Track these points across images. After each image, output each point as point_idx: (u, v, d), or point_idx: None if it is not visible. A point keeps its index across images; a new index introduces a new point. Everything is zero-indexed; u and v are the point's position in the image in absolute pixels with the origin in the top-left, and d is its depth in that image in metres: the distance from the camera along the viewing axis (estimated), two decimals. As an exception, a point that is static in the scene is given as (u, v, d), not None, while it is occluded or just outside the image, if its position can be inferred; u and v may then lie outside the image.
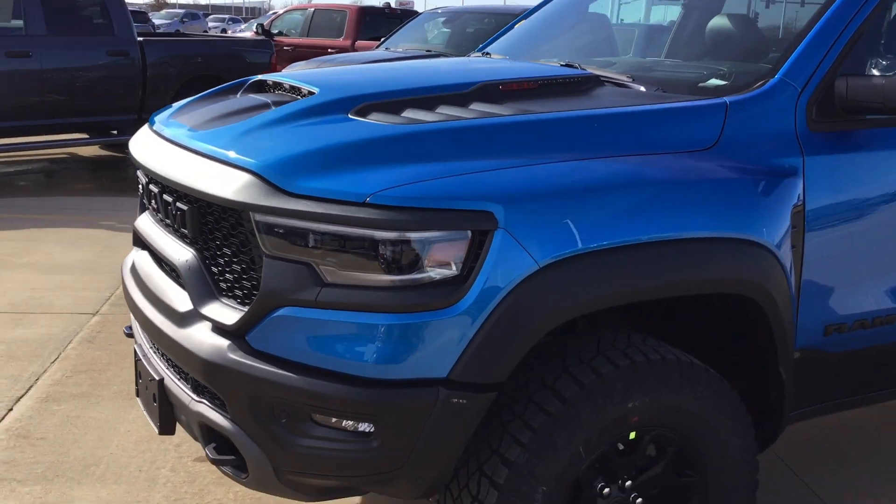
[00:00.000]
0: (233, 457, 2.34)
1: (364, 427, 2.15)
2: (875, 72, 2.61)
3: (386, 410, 2.12)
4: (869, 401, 3.03)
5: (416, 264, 2.07)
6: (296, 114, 2.48)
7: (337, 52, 13.44)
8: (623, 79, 2.87)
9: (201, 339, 2.32)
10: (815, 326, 2.65)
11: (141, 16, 33.44)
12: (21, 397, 3.95)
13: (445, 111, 2.49)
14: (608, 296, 2.22)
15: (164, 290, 2.57)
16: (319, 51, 13.86)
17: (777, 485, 3.47)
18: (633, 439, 2.39)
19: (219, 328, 2.30)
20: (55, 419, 3.75)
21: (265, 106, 2.64)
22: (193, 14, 41.17)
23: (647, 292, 2.28)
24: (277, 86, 2.86)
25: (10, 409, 3.84)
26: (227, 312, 2.29)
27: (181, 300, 2.46)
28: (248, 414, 2.23)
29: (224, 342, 2.26)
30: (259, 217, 2.17)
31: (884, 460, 3.73)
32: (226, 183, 2.25)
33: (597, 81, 2.85)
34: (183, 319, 2.41)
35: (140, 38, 9.93)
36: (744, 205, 2.40)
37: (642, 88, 2.79)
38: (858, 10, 2.65)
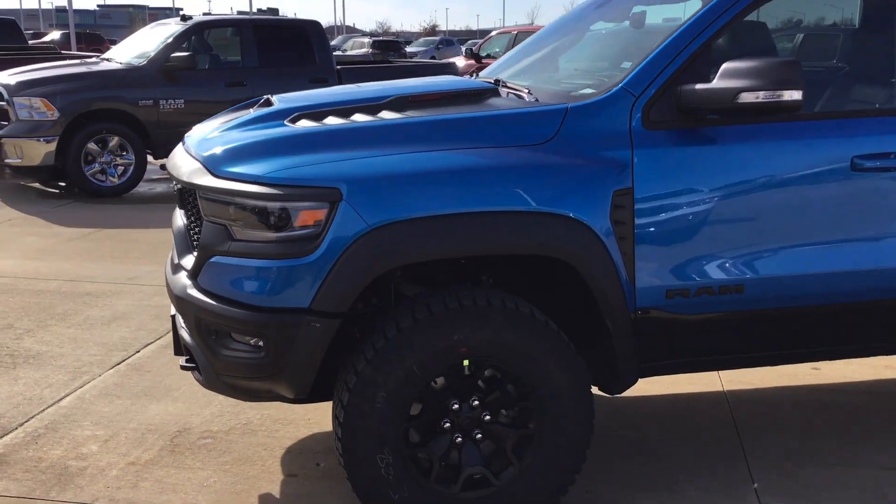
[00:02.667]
0: (193, 365, 3.32)
1: (258, 342, 3.05)
2: (704, 83, 3.14)
3: (270, 330, 3.00)
4: (725, 364, 3.50)
5: (289, 225, 2.95)
6: (250, 121, 3.45)
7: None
8: (521, 90, 3.58)
9: (179, 280, 3.32)
10: (655, 290, 3.21)
11: (395, 45, 36.16)
12: (149, 344, 5.19)
13: (356, 117, 3.35)
14: (424, 252, 2.97)
15: (173, 251, 3.62)
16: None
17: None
18: (476, 368, 3.11)
19: (186, 272, 3.29)
20: (164, 358, 4.92)
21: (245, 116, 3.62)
22: (448, 41, 43.68)
23: (465, 250, 3.01)
24: (268, 102, 3.83)
25: (139, 351, 5.07)
26: (190, 261, 3.28)
27: (177, 256, 3.49)
28: (196, 332, 3.20)
29: (188, 282, 3.25)
30: (200, 193, 3.15)
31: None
32: (189, 170, 3.25)
33: (494, 92, 3.58)
34: (175, 269, 3.44)
35: (339, 67, 11.35)
36: (563, 187, 3.04)
37: (525, 97, 3.48)
38: (693, 38, 3.21)
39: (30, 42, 26.85)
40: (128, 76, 10.11)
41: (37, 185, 10.88)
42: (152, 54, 10.32)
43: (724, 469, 3.78)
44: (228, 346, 3.12)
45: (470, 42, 20.51)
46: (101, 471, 3.70)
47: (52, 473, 3.67)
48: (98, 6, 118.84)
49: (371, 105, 3.45)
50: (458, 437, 3.13)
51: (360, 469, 3.05)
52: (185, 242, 3.45)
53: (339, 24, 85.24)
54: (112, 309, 5.87)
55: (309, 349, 2.98)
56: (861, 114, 3.50)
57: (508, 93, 3.64)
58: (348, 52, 34.25)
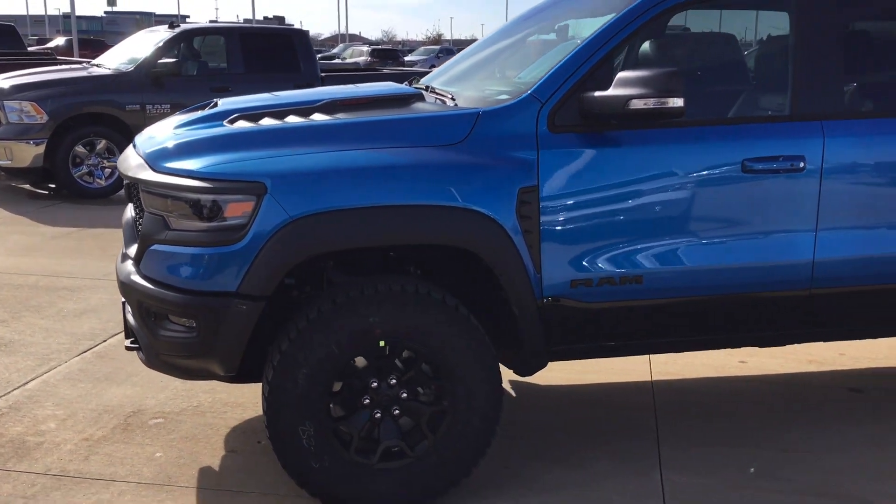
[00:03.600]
0: (137, 345, 3.62)
1: (191, 323, 3.34)
2: (603, 91, 3.42)
3: (201, 312, 3.29)
4: (629, 349, 3.79)
5: (219, 215, 3.25)
6: (193, 122, 3.74)
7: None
8: (446, 96, 3.87)
9: (125, 268, 3.61)
10: (561, 280, 3.49)
11: (393, 53, 36.54)
12: (117, 334, 5.48)
13: (289, 118, 3.64)
14: (340, 241, 3.26)
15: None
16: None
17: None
18: (393, 349, 3.39)
19: (131, 260, 3.59)
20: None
21: (193, 118, 3.92)
22: (448, 50, 44.02)
23: (379, 240, 3.31)
24: (215, 105, 4.12)
25: (105, 340, 5.37)
26: (134, 249, 3.57)
27: (125, 246, 3.79)
28: (138, 315, 3.50)
29: (132, 269, 3.54)
30: (142, 186, 3.45)
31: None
32: (134, 166, 3.55)
33: (419, 97, 3.88)
34: (122, 258, 3.73)
35: (323, 74, 11.66)
36: (472, 184, 3.33)
37: (447, 102, 3.77)
38: (595, 52, 3.50)
39: (34, 48, 27.30)
40: (116, 81, 10.44)
41: (27, 186, 11.19)
42: (140, 60, 10.64)
43: (635, 447, 4.06)
44: (166, 328, 3.41)
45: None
46: (56, 445, 3.99)
47: (10, 447, 3.96)
48: (105, 13, 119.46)
49: (305, 108, 3.75)
50: (378, 412, 3.41)
51: (284, 440, 3.34)
52: (132, 233, 3.75)
53: (342, 32, 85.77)
54: (85, 302, 6.16)
55: (236, 330, 3.27)
56: (752, 120, 3.80)
57: (436, 98, 3.93)
58: (347, 60, 34.63)
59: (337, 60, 35.18)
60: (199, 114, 3.88)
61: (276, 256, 3.21)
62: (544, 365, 3.69)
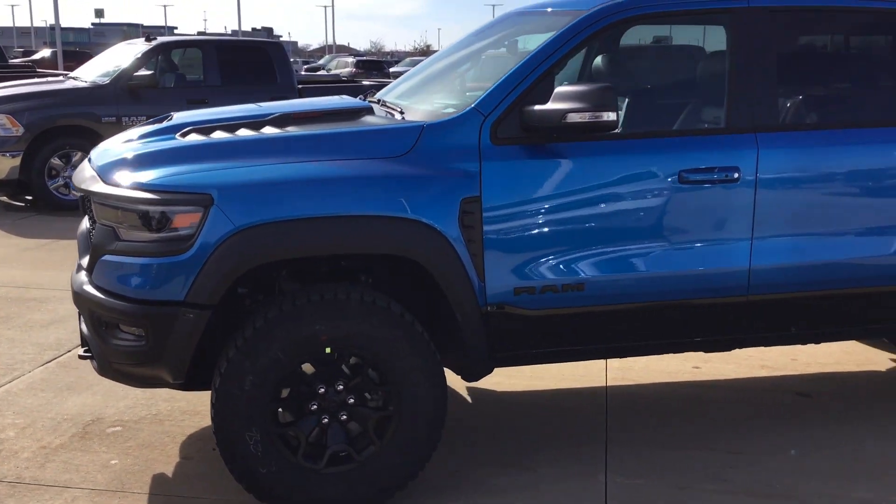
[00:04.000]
0: (90, 355, 3.70)
1: (141, 332, 3.43)
2: (542, 105, 3.52)
3: (150, 321, 3.38)
4: (573, 355, 3.89)
5: (167, 226, 3.33)
6: (146, 135, 3.84)
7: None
8: (395, 109, 3.97)
9: (78, 278, 3.70)
10: (504, 287, 3.59)
11: (377, 65, 36.63)
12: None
13: (240, 132, 3.73)
14: (286, 250, 3.36)
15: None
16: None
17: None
18: (339, 355, 3.47)
19: (84, 270, 3.67)
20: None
21: (148, 131, 4.01)
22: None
23: (323, 249, 3.40)
24: (171, 118, 4.21)
25: (70, 350, 5.43)
26: (86, 260, 3.66)
27: (79, 256, 3.87)
28: (90, 324, 3.58)
29: (85, 279, 3.63)
30: (94, 198, 3.53)
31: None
32: (87, 179, 3.64)
33: (369, 111, 3.98)
34: (77, 268, 3.81)
35: (300, 85, 11.76)
36: (415, 195, 3.43)
37: (396, 115, 3.88)
38: (536, 67, 3.62)
39: (18, 60, 27.31)
40: (92, 94, 10.52)
41: (3, 198, 11.24)
42: (116, 73, 10.72)
43: (584, 451, 4.15)
44: (117, 336, 3.49)
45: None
46: (13, 453, 4.06)
47: (-32, 455, 4.03)
48: (92, 24, 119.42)
49: (257, 121, 3.84)
50: (325, 418, 3.50)
51: (231, 446, 3.42)
52: (86, 244, 3.83)
53: (329, 43, 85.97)
54: (53, 313, 6.23)
55: (184, 338, 3.35)
56: (689, 132, 3.92)
57: (386, 112, 4.02)
58: (332, 71, 34.70)
59: (322, 72, 35.27)
60: (153, 127, 3.97)
61: (222, 266, 3.30)
62: (490, 370, 3.79)
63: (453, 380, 4.78)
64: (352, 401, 3.51)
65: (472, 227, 3.50)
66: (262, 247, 3.32)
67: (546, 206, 3.59)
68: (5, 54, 20.26)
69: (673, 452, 4.16)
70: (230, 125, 3.82)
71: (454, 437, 4.30)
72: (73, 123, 10.28)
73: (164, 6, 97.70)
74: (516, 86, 3.61)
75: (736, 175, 3.71)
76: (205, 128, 3.81)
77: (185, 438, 4.25)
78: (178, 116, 4.14)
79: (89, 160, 3.86)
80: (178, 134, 3.77)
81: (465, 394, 4.86)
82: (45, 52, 37.44)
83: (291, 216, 3.32)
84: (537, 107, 3.51)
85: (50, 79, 12.00)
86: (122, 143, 3.81)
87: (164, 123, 3.99)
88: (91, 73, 11.22)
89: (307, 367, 3.50)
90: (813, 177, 3.83)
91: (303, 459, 3.50)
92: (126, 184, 3.43)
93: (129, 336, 3.46)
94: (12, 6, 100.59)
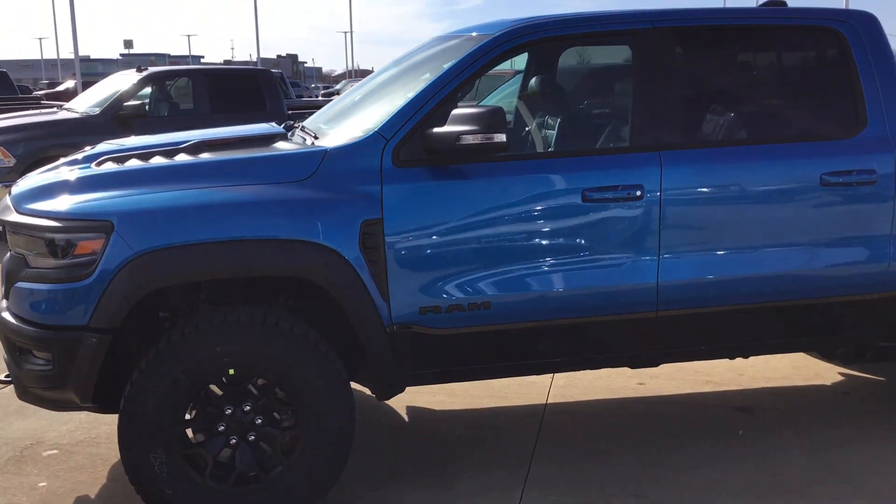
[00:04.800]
0: (9, 379, 3.80)
1: (49, 356, 3.52)
2: (440, 127, 3.59)
3: (56, 345, 3.47)
4: (483, 373, 3.93)
5: (71, 253, 3.43)
6: (63, 164, 3.95)
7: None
8: (310, 135, 4.05)
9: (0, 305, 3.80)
10: (410, 307, 3.64)
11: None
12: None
13: (154, 160, 3.83)
14: (185, 274, 3.44)
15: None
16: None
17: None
18: (245, 376, 3.54)
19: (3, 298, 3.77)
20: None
21: (71, 161, 4.12)
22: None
23: (223, 272, 3.47)
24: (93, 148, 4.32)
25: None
26: (3, 289, 3.76)
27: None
28: (7, 349, 3.68)
29: (3, 306, 3.73)
30: (7, 227, 3.64)
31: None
32: (2, 209, 3.75)
33: (283, 137, 4.07)
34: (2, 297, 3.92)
35: (290, 111, 11.91)
36: (316, 218, 3.50)
37: (308, 140, 3.95)
38: (438, 91, 3.71)
39: (41, 91, 27.82)
40: (83, 124, 10.71)
41: None
42: (107, 103, 10.92)
43: (508, 467, 4.19)
44: (30, 361, 3.59)
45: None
46: (-53, 477, 4.16)
47: None
48: (121, 55, 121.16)
49: (173, 149, 3.94)
50: (233, 438, 3.56)
51: (137, 467, 3.49)
52: (2, 271, 3.93)
53: (350, 68, 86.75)
54: (20, 340, 6.35)
55: (88, 361, 3.44)
56: (593, 151, 3.97)
57: (303, 138, 4.10)
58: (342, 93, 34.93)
59: (336, 97, 35.55)
60: (71, 157, 4.09)
61: (122, 290, 3.38)
62: (402, 389, 3.84)
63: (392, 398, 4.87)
64: (259, 421, 3.57)
65: (374, 249, 3.56)
66: (160, 271, 3.41)
67: (449, 227, 3.65)
68: (15, 87, 20.64)
69: (598, 468, 4.18)
70: (145, 153, 3.91)
71: (383, 454, 4.37)
72: (63, 154, 10.42)
73: (188, 36, 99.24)
74: (418, 109, 3.69)
75: (639, 193, 3.75)
76: (120, 157, 3.91)
77: (117, 461, 4.32)
78: (100, 146, 4.26)
79: (10, 192, 3.97)
80: (94, 163, 3.87)
81: (402, 412, 4.91)
82: (69, 83, 38.09)
83: (188, 241, 3.41)
84: (436, 129, 3.58)
85: (44, 110, 12.23)
86: (39, 174, 3.93)
87: (85, 153, 4.10)
88: (84, 103, 11.44)
89: (214, 389, 3.56)
90: (718, 194, 3.86)
91: (210, 480, 3.56)
92: (34, 212, 3.54)
93: (40, 361, 3.56)
94: (40, 39, 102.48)
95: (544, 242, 3.74)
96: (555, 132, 4.30)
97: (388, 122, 3.69)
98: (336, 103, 4.77)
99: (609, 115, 4.29)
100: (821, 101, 4.19)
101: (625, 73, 4.10)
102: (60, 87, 37.08)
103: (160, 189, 3.53)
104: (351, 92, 4.74)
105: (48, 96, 22.83)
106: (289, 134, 4.21)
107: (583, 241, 3.77)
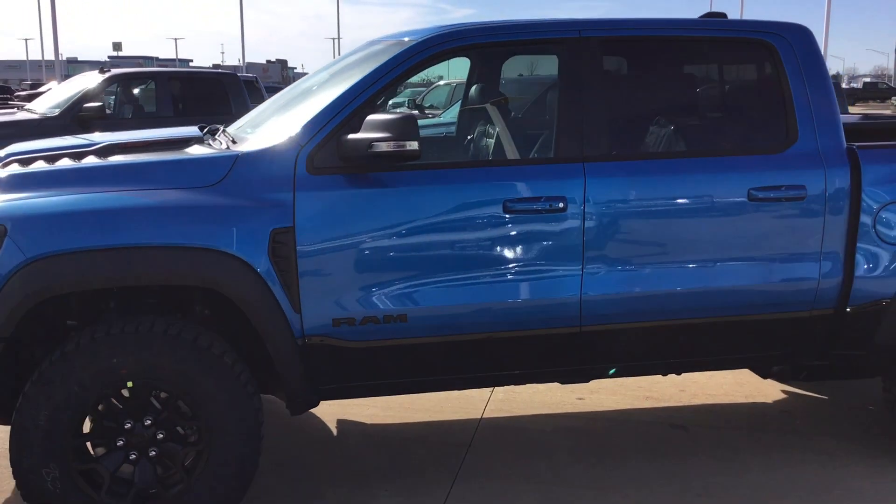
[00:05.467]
0: None
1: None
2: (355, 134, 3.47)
3: None
4: (399, 388, 3.81)
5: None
6: (-27, 167, 3.81)
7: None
8: (228, 140, 3.91)
9: None
10: (322, 319, 3.51)
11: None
12: None
13: (61, 162, 3.69)
14: (80, 281, 3.30)
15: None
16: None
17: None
18: (146, 389, 3.41)
19: None
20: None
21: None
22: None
23: (119, 280, 3.33)
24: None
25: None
26: None
27: None
28: None
29: None
30: None
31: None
32: None
33: (199, 140, 3.94)
34: None
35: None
36: (222, 225, 3.37)
37: (223, 145, 3.81)
38: (355, 97, 3.59)
39: (26, 93, 27.56)
40: (41, 125, 10.55)
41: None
42: (66, 104, 10.77)
43: (431, 483, 4.07)
44: None
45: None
46: None
47: None
48: (109, 57, 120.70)
49: (83, 151, 3.81)
50: (133, 453, 3.43)
51: (28, 482, 3.35)
52: None
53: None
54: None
55: None
56: (515, 161, 3.87)
57: (222, 142, 3.96)
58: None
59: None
60: None
61: (14, 297, 3.25)
62: (315, 403, 3.72)
63: (323, 410, 4.76)
64: (161, 436, 3.44)
65: (285, 258, 3.44)
66: (52, 278, 3.28)
67: (364, 237, 3.53)
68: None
69: (519, 486, 4.07)
70: (53, 156, 3.79)
71: (307, 468, 4.25)
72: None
73: (175, 39, 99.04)
74: (334, 115, 3.57)
75: (562, 205, 3.64)
76: (27, 158, 3.78)
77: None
78: (10, 148, 4.12)
79: None
80: (0, 165, 3.74)
81: (332, 426, 4.79)
82: (52, 84, 37.88)
83: (83, 247, 3.28)
84: (350, 136, 3.46)
85: (4, 110, 12.07)
86: None
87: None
88: (45, 104, 11.29)
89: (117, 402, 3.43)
90: (643, 207, 3.75)
91: (106, 497, 3.42)
92: None
93: None
94: (26, 40, 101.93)
95: (464, 254, 3.63)
96: (493, 141, 4.20)
97: (303, 127, 3.58)
98: (263, 108, 4.64)
99: (540, 125, 4.18)
100: (751, 114, 4.11)
101: (555, 83, 3.99)
102: (43, 88, 36.87)
103: (60, 193, 3.40)
104: (280, 96, 4.62)
105: (29, 97, 22.59)
106: (206, 138, 4.06)
107: (504, 254, 3.66)
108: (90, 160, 3.68)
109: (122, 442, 3.43)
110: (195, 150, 3.81)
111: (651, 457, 4.39)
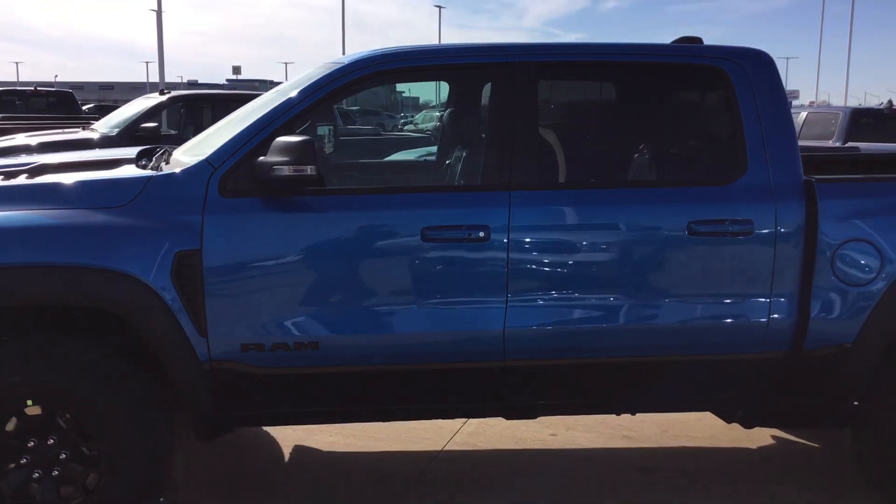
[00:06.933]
0: None
1: None
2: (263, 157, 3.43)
3: None
4: (312, 417, 3.71)
5: None
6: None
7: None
8: (164, 161, 3.91)
9: None
10: (230, 344, 3.45)
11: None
12: None
13: None
14: None
15: None
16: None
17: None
18: (50, 409, 3.41)
19: None
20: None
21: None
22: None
23: (14, 300, 3.34)
24: None
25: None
26: None
27: None
28: None
29: None
30: None
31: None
32: None
33: (130, 161, 3.95)
34: None
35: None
36: (126, 247, 3.35)
37: (154, 166, 3.80)
38: (272, 121, 3.55)
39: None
40: (99, 144, 10.88)
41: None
42: (125, 124, 11.10)
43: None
44: None
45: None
46: None
47: None
48: (227, 80, 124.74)
49: (15, 170, 3.86)
50: (36, 473, 3.43)
51: (-74, 501, 3.39)
52: None
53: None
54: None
55: None
56: (436, 189, 3.75)
57: (155, 163, 3.95)
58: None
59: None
60: None
61: None
62: (227, 429, 3.67)
63: (284, 435, 4.71)
64: (64, 456, 3.43)
65: (190, 281, 3.40)
66: None
67: (276, 262, 3.47)
68: (80, 107, 21.25)
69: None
70: (-12, 175, 3.85)
71: (256, 495, 4.19)
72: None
73: (286, 63, 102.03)
74: (251, 138, 3.54)
75: (482, 234, 3.50)
76: (-35, 177, 3.85)
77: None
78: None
79: None
80: (-58, 182, 3.82)
81: (286, 451, 4.73)
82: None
83: None
84: (260, 159, 3.42)
85: (68, 130, 12.49)
86: None
87: None
88: (107, 124, 11.66)
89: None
90: (572, 238, 3.58)
91: (6, 516, 3.43)
92: None
93: None
94: (146, 63, 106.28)
95: (380, 282, 3.53)
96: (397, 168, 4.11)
97: (218, 150, 3.55)
98: (211, 129, 4.64)
99: (473, 151, 4.05)
100: (698, 144, 3.89)
101: (481, 108, 3.87)
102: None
103: None
104: (230, 117, 4.61)
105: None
106: (142, 160, 4.06)
107: (422, 283, 3.54)
108: (18, 179, 3.73)
109: (24, 460, 3.43)
110: (120, 172, 3.81)
111: (604, 499, 4.18)
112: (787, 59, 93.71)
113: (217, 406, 3.54)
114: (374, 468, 4.56)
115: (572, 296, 3.58)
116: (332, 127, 5.19)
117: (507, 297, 3.54)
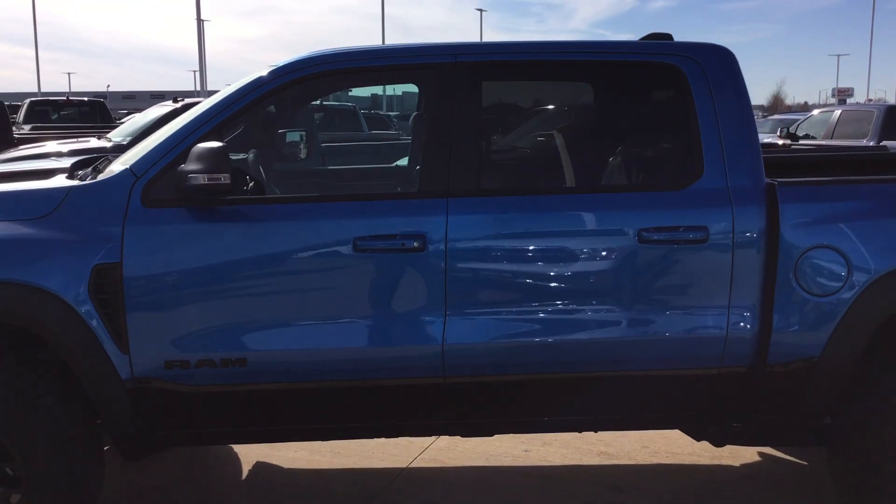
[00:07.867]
0: None
1: None
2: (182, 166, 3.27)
3: None
4: (241, 437, 3.54)
5: None
6: None
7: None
8: (100, 170, 3.78)
9: None
10: (153, 361, 3.30)
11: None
12: None
13: None
14: None
15: None
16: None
17: None
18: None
19: None
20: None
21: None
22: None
23: None
24: None
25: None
26: None
27: None
28: None
29: None
30: None
31: None
32: None
33: (65, 171, 3.83)
34: None
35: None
36: (39, 260, 3.22)
37: (94, 176, 3.67)
38: (196, 129, 3.40)
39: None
40: (110, 154, 10.87)
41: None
42: (137, 133, 11.08)
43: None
44: None
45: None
46: None
47: None
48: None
49: None
50: (-40, 496, 3.33)
51: None
52: None
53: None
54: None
55: None
56: (371, 196, 3.55)
57: (86, 174, 3.80)
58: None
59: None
60: None
61: None
62: (154, 449, 3.52)
63: (247, 451, 4.57)
64: None
65: (110, 295, 3.26)
66: None
67: (201, 274, 3.31)
68: (111, 116, 21.45)
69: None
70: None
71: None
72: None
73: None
74: (174, 146, 3.40)
75: (416, 244, 3.32)
76: None
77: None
78: None
79: None
80: None
81: (246, 467, 4.58)
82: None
83: None
84: (180, 167, 3.27)
85: (82, 139, 12.52)
86: None
87: None
88: (120, 133, 11.66)
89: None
90: (514, 247, 3.38)
91: (-65, 537, 3.33)
92: None
93: None
94: (194, 72, 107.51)
95: (310, 295, 3.36)
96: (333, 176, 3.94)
97: (141, 158, 3.42)
98: (149, 137, 4.52)
99: (416, 157, 3.86)
100: (651, 146, 3.65)
101: (422, 111, 3.69)
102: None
103: None
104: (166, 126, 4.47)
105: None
106: (75, 170, 3.92)
107: (354, 296, 3.36)
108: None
109: None
110: (44, 182, 3.68)
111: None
112: (839, 56, 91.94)
113: (141, 426, 3.39)
114: (329, 487, 4.39)
115: (516, 309, 3.38)
116: (303, 133, 5.03)
117: (446, 310, 3.35)
